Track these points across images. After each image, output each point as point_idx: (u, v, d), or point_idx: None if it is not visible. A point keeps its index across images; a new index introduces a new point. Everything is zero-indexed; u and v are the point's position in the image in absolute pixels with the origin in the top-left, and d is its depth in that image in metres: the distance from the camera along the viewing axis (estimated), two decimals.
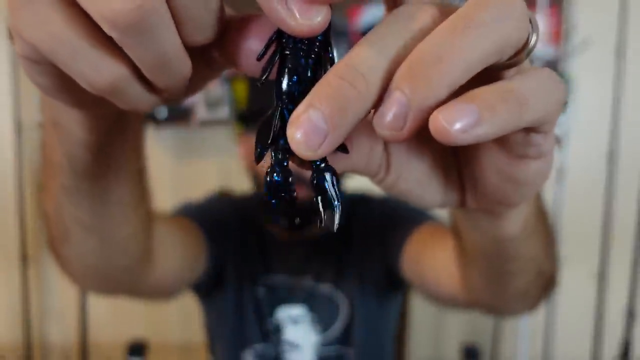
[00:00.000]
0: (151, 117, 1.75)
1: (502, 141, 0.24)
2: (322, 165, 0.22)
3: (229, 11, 0.22)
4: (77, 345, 1.84)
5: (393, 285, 0.84)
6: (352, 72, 0.19)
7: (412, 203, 0.29)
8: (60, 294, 1.92)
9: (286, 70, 0.21)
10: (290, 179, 0.22)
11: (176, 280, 0.71)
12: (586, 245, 1.74)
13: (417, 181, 0.27)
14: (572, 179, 1.62)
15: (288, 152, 0.21)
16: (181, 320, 1.82)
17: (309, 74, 0.21)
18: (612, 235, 1.73)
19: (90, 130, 0.32)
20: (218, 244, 0.80)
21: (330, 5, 0.19)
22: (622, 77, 1.67)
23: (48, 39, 0.19)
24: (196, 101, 1.74)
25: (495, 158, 0.25)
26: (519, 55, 0.21)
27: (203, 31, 0.21)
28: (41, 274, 1.90)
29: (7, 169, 1.81)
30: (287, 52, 0.21)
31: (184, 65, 0.21)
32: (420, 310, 1.70)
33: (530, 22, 0.21)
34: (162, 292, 0.71)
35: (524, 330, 1.77)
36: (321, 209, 0.22)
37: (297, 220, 0.23)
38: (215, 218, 0.83)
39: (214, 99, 1.73)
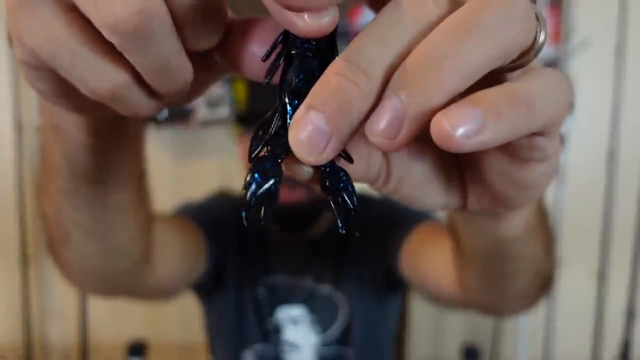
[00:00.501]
0: (151, 118, 1.75)
1: (505, 144, 0.22)
2: (328, 169, 0.21)
3: (230, 15, 0.22)
4: (77, 345, 1.84)
5: (392, 286, 0.84)
6: (352, 68, 0.18)
7: (413, 206, 0.28)
8: (60, 294, 1.92)
9: (293, 69, 0.20)
10: (277, 177, 0.20)
11: (176, 280, 0.71)
12: (586, 245, 1.73)
13: (419, 184, 0.26)
14: (572, 179, 1.62)
15: (284, 153, 0.21)
16: (181, 320, 1.82)
17: (316, 73, 0.20)
18: (612, 235, 1.73)
19: (89, 133, 0.31)
20: (218, 244, 0.80)
21: (337, 5, 0.18)
22: (622, 77, 1.67)
23: (48, 44, 0.19)
24: (196, 101, 1.74)
25: (499, 161, 0.24)
26: (527, 55, 0.19)
27: (205, 36, 0.20)
28: (41, 274, 1.90)
29: (7, 169, 1.81)
30: (294, 52, 0.20)
31: (185, 70, 0.21)
32: (420, 310, 1.70)
33: (538, 19, 0.19)
34: (162, 293, 0.71)
35: (524, 330, 1.77)
36: (337, 213, 0.21)
37: (268, 223, 0.21)
38: (215, 218, 0.83)
39: (214, 99, 1.73)
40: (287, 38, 0.20)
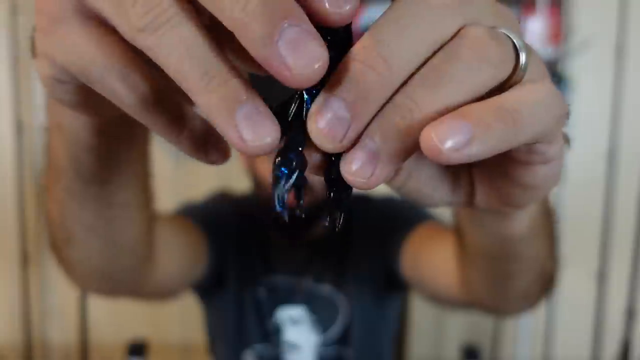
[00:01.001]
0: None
1: None
2: (337, 160, 0.20)
3: None
4: (77, 345, 1.83)
5: (393, 286, 0.84)
6: (371, 54, 0.18)
7: (420, 202, 0.28)
8: (60, 294, 1.92)
9: None
10: (302, 165, 0.20)
11: (177, 280, 0.71)
12: (586, 245, 1.73)
13: (427, 180, 0.26)
14: (572, 179, 1.62)
15: (303, 142, 0.20)
16: (181, 320, 1.82)
17: (332, 64, 0.19)
18: (612, 235, 1.73)
19: (96, 134, 0.31)
20: (219, 244, 0.80)
21: None
22: (622, 77, 1.67)
23: (79, 61, 0.19)
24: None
25: (502, 163, 0.24)
26: (511, 80, 0.20)
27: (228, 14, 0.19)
28: (41, 274, 1.90)
29: (7, 169, 1.81)
30: None
31: (213, 58, 0.19)
32: (420, 311, 1.70)
33: (515, 46, 0.20)
34: (163, 293, 0.71)
35: (524, 330, 1.77)
36: (332, 205, 0.21)
37: (301, 213, 0.21)
38: (215, 218, 0.83)
39: None
40: None
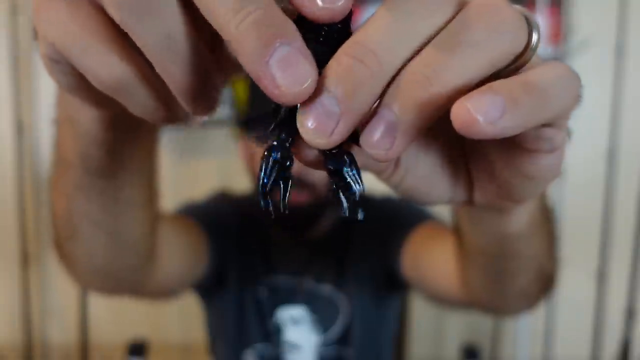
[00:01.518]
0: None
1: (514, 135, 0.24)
2: (335, 150, 0.21)
3: None
4: (77, 345, 1.84)
5: (393, 286, 0.84)
6: (362, 50, 0.18)
7: (419, 200, 0.28)
8: (60, 294, 1.92)
9: None
10: (289, 162, 0.20)
11: (178, 280, 0.71)
12: (586, 245, 1.74)
13: (425, 177, 0.26)
14: (572, 179, 1.62)
15: (292, 138, 0.20)
16: (181, 320, 1.82)
17: (326, 60, 0.20)
18: (612, 235, 1.73)
19: (105, 128, 0.32)
20: (220, 244, 0.80)
21: None
22: (622, 77, 1.67)
23: (64, 36, 0.20)
24: None
25: (506, 152, 0.24)
26: (521, 58, 0.20)
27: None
28: (41, 274, 1.90)
29: (7, 169, 1.81)
30: (306, 38, 0.20)
31: (196, 56, 0.20)
32: (420, 310, 1.70)
33: (528, 22, 0.20)
34: (164, 292, 0.71)
35: (524, 330, 1.77)
36: (342, 197, 0.21)
37: (284, 209, 0.20)
38: (216, 218, 0.83)
39: None
40: (300, 23, 0.20)
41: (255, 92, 0.81)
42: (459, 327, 1.87)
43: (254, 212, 0.87)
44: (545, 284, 0.50)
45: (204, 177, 1.80)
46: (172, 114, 0.22)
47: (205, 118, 0.23)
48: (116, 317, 1.87)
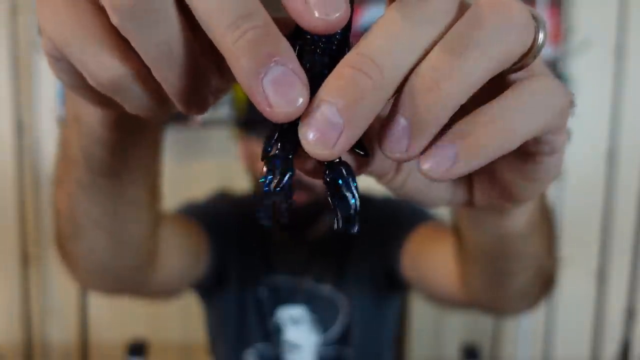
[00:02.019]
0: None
1: None
2: (336, 160, 0.21)
3: None
4: (77, 345, 1.84)
5: (393, 286, 0.84)
6: (364, 61, 0.18)
7: (419, 203, 0.28)
8: (60, 293, 1.92)
9: (303, 65, 0.20)
10: (289, 174, 0.21)
11: (179, 279, 0.71)
12: (586, 244, 1.74)
13: (426, 180, 0.26)
14: (572, 179, 1.62)
15: (294, 149, 0.21)
16: (181, 320, 1.82)
17: (325, 72, 0.20)
18: (612, 235, 1.73)
19: (110, 128, 0.32)
20: (220, 244, 0.80)
21: (351, 4, 0.19)
22: (622, 77, 1.67)
23: (62, 33, 0.20)
24: None
25: (507, 155, 0.24)
26: (527, 57, 0.20)
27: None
28: (41, 274, 1.90)
29: (7, 169, 1.81)
30: (305, 48, 0.20)
31: (192, 61, 0.20)
32: (420, 310, 1.70)
33: (535, 19, 0.20)
34: (164, 292, 0.71)
35: (524, 330, 1.77)
36: (337, 209, 0.21)
37: (284, 220, 0.21)
38: (216, 218, 0.83)
39: None
40: (298, 34, 0.20)
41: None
42: (459, 327, 1.87)
43: (254, 212, 0.87)
44: (545, 283, 0.50)
45: (203, 178, 1.80)
46: (166, 112, 0.23)
47: (200, 117, 0.24)
48: (116, 317, 1.87)
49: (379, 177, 0.26)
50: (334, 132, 0.18)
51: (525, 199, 0.27)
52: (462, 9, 0.20)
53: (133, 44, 0.19)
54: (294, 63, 0.18)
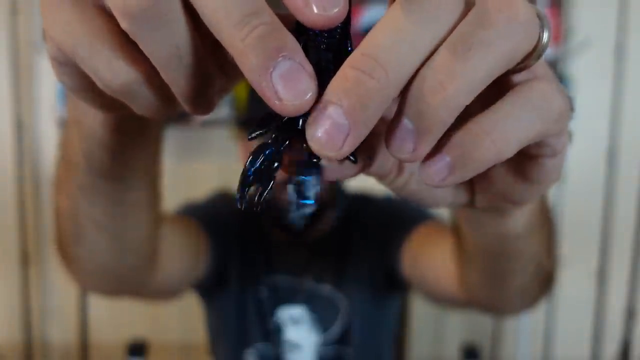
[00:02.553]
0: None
1: None
2: (313, 160, 0.21)
3: None
4: (77, 345, 1.84)
5: (393, 286, 0.84)
6: (368, 61, 0.18)
7: (421, 203, 0.28)
8: (60, 294, 1.92)
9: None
10: (277, 163, 0.21)
11: (179, 280, 0.71)
12: (586, 244, 1.74)
13: None
14: (572, 179, 1.62)
15: (287, 142, 0.21)
16: (181, 320, 1.82)
17: (330, 67, 0.20)
18: (612, 235, 1.73)
19: (111, 131, 0.32)
20: (220, 244, 0.80)
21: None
22: (622, 77, 1.67)
23: (70, 38, 0.20)
24: None
25: (509, 159, 0.24)
26: (530, 57, 0.20)
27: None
28: (41, 274, 1.90)
29: (7, 169, 1.81)
30: (307, 43, 0.20)
31: (199, 63, 0.20)
32: (420, 310, 1.70)
33: (540, 18, 0.20)
34: (165, 293, 0.71)
35: (524, 330, 1.77)
36: (292, 203, 0.21)
37: (261, 207, 0.21)
38: (217, 218, 0.83)
39: None
40: (300, 29, 0.20)
41: (256, 93, 0.81)
42: (459, 327, 1.87)
43: (253, 212, 0.87)
44: (544, 283, 0.50)
45: (204, 178, 1.80)
46: (173, 112, 0.23)
47: (204, 117, 0.24)
48: (116, 317, 1.87)
49: (381, 178, 0.26)
50: (341, 134, 0.18)
51: (526, 201, 0.27)
52: (467, 6, 0.20)
53: (142, 48, 0.19)
54: (301, 57, 0.18)
